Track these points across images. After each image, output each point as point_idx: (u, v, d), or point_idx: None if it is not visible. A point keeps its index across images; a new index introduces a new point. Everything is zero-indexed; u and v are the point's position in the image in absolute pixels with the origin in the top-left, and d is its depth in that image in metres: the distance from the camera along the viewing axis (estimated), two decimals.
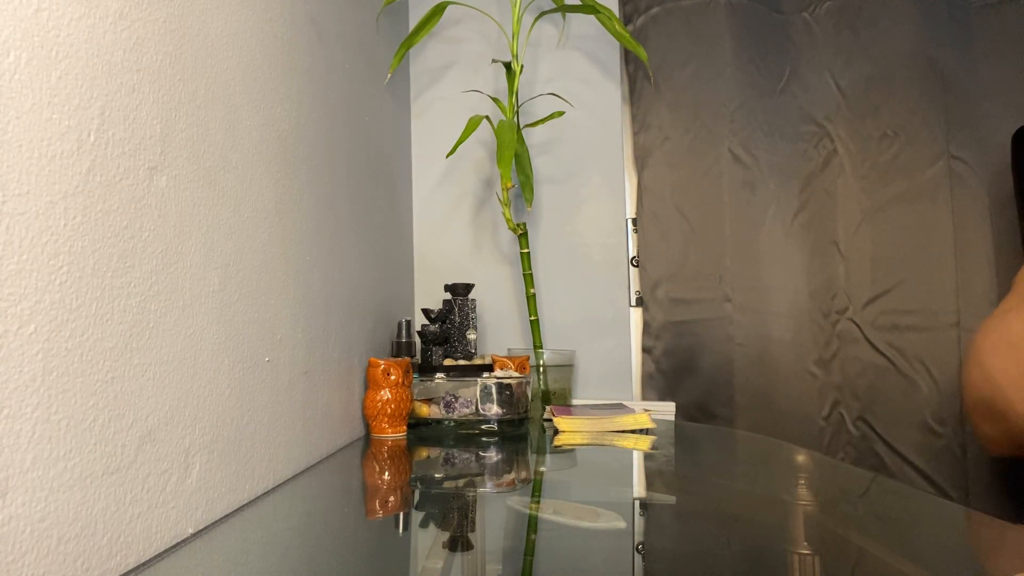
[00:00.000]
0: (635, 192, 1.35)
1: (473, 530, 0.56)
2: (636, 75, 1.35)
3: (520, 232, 1.21)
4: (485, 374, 0.99)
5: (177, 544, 0.50)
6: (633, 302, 1.34)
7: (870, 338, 1.26)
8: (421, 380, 0.99)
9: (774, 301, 1.30)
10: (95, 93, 0.43)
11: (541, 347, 1.20)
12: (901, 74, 1.28)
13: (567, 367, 1.20)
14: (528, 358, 1.11)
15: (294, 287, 0.74)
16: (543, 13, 1.29)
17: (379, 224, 1.12)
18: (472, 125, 1.12)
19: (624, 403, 1.17)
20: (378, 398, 0.93)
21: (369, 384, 0.94)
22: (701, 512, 0.60)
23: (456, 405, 0.97)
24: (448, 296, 1.13)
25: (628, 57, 1.36)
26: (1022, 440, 0.91)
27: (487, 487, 0.71)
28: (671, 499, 0.52)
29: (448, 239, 1.40)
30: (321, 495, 0.70)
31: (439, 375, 1.00)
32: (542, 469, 0.80)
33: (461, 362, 1.08)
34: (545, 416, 1.10)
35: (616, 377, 1.33)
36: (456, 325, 1.12)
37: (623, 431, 0.97)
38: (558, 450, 0.89)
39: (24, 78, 0.37)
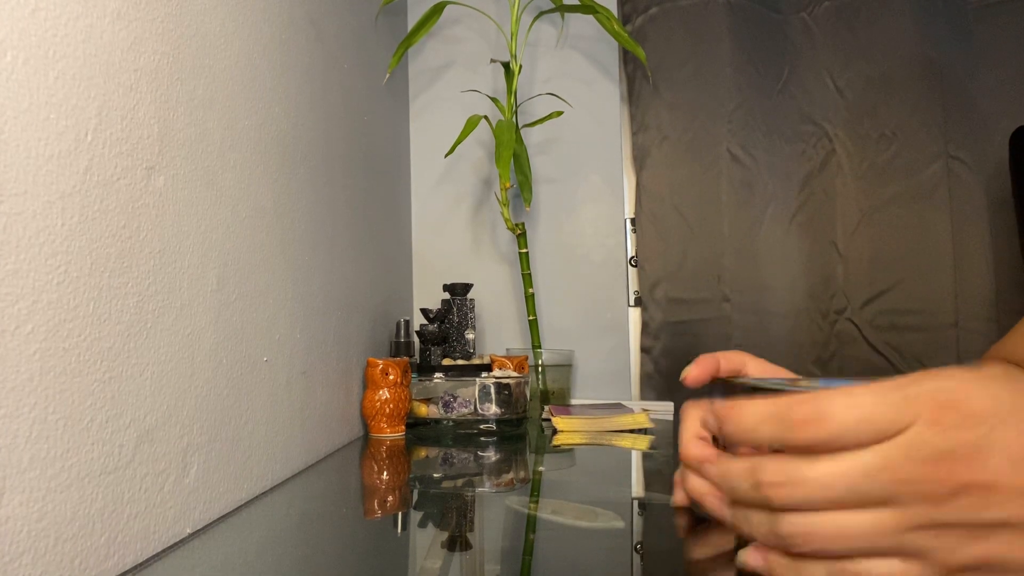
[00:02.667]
0: (634, 192, 1.35)
1: (472, 530, 0.56)
2: (635, 75, 1.35)
3: (519, 232, 1.21)
4: (484, 374, 0.99)
5: (175, 544, 0.50)
6: (632, 302, 1.34)
7: (868, 338, 1.26)
8: (420, 380, 0.99)
9: (772, 301, 1.30)
10: (93, 93, 0.43)
11: (540, 347, 1.20)
12: (899, 74, 1.29)
13: (566, 367, 1.20)
14: (527, 358, 1.11)
15: (292, 287, 0.74)
16: (542, 13, 1.29)
17: (378, 224, 1.12)
18: (471, 125, 1.12)
19: (623, 403, 1.17)
20: (376, 398, 0.93)
21: (367, 384, 0.94)
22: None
23: (455, 405, 0.97)
24: (447, 296, 1.13)
25: (627, 57, 1.36)
26: None
27: (486, 487, 0.71)
28: (670, 498, 0.52)
29: (447, 239, 1.40)
30: (319, 495, 0.70)
31: (438, 375, 1.00)
32: (541, 469, 0.80)
33: (460, 362, 1.08)
34: (544, 416, 1.10)
35: (615, 377, 1.33)
36: (455, 325, 1.12)
37: (621, 431, 0.97)
38: (556, 450, 0.89)
39: (21, 77, 0.37)
